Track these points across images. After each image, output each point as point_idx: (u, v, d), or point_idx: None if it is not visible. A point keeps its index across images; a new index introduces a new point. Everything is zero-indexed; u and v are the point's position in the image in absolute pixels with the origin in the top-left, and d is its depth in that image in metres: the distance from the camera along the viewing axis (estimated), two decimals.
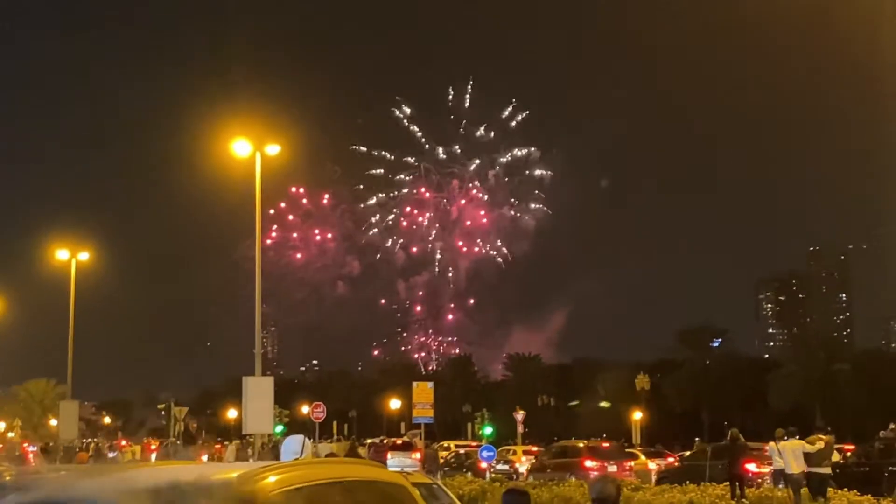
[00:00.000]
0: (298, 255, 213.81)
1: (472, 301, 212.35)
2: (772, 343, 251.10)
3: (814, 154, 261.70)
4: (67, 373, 56.34)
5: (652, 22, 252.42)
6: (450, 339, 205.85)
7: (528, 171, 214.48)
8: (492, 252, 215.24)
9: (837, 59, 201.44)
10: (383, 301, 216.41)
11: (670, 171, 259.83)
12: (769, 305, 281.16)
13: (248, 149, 39.15)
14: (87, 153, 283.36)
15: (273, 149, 39.65)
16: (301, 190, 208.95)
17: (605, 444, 45.09)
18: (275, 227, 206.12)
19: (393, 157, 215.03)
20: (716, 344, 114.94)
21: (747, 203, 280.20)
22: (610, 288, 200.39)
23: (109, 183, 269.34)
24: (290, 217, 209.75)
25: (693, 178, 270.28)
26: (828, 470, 25.43)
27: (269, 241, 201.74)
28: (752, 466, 32.67)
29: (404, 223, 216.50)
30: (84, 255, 55.09)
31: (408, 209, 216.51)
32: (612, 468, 39.33)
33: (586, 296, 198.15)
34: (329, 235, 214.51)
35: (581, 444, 44.27)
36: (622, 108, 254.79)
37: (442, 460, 55.18)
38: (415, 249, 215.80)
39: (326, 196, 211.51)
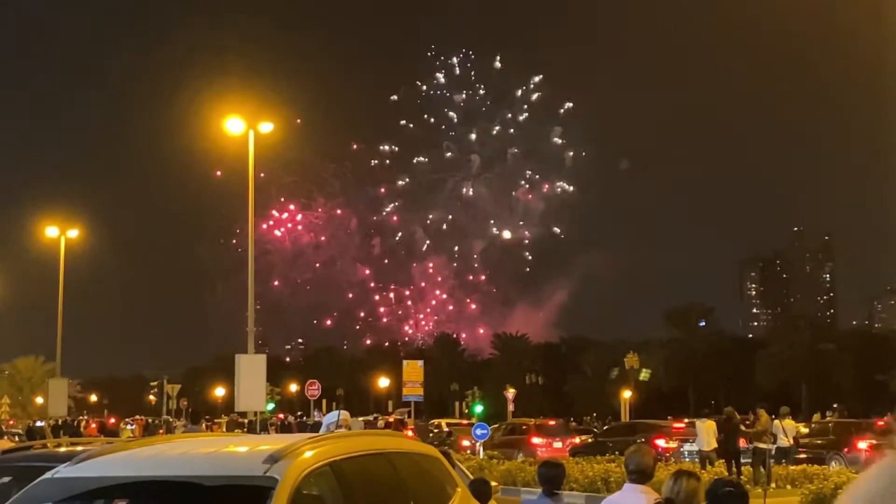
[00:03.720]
0: (307, 236, 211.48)
1: (471, 278, 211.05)
2: (755, 323, 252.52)
3: (798, 134, 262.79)
4: (56, 350, 56.14)
5: (655, 12, 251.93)
6: (441, 319, 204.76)
7: (544, 148, 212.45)
8: (503, 230, 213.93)
9: (831, 46, 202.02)
10: (382, 281, 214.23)
11: (655, 149, 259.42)
12: (753, 285, 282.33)
13: (241, 126, 38.98)
14: (76, 129, 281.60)
15: (266, 126, 39.47)
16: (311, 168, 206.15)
17: (552, 423, 47.32)
18: (290, 207, 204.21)
19: (408, 135, 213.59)
20: (702, 324, 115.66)
21: (732, 183, 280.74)
22: (600, 268, 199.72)
23: (100, 160, 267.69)
24: (297, 197, 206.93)
25: (677, 155, 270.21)
26: (767, 445, 26.29)
27: (283, 221, 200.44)
28: (661, 442, 35.42)
29: (414, 202, 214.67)
30: (74, 233, 54.95)
31: (417, 188, 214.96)
32: (558, 444, 41.16)
33: (582, 276, 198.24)
34: (338, 212, 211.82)
35: (530, 422, 46.06)
36: (615, 91, 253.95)
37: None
38: (422, 229, 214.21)
39: (331, 172, 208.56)
